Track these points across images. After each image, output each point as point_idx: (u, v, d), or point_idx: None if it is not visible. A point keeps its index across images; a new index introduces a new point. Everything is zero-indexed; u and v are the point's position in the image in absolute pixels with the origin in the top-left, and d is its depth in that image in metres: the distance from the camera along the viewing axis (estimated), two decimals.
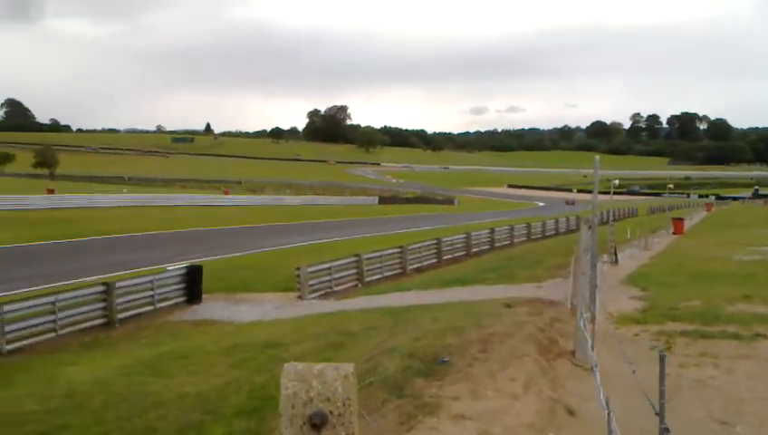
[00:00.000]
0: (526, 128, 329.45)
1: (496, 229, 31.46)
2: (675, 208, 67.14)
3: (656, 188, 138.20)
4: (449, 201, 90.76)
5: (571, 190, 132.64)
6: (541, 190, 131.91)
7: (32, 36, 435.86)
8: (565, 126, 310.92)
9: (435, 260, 24.65)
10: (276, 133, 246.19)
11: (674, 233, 31.04)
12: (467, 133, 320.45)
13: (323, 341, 11.18)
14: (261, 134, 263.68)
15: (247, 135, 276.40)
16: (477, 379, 6.46)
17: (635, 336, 9.83)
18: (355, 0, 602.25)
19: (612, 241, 19.68)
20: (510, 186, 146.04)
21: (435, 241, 25.36)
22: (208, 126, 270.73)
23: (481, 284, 16.61)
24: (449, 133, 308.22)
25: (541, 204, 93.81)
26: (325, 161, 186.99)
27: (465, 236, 27.82)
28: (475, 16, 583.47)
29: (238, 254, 26.54)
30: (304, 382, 2.07)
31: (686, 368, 7.84)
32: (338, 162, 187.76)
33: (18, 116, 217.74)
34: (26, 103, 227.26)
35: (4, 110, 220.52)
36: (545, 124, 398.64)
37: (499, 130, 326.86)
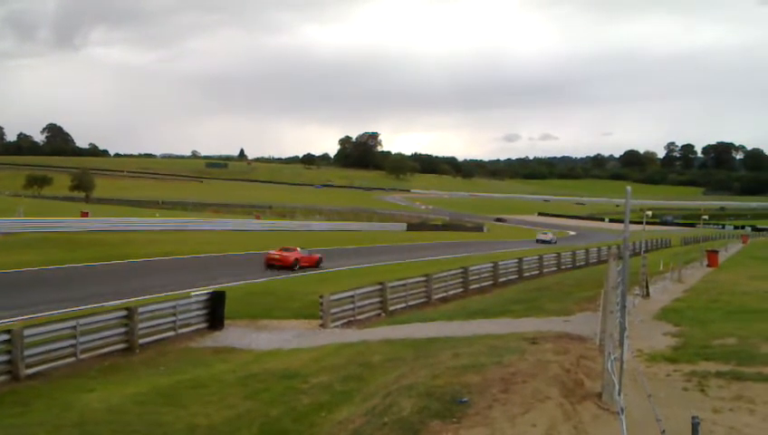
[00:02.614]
0: (558, 156, 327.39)
1: (525, 259, 30.90)
2: (709, 240, 65.65)
3: (690, 219, 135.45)
4: (478, 229, 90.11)
5: (603, 220, 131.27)
6: (572, 219, 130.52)
7: (75, 64, 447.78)
8: (598, 154, 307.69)
9: (461, 289, 24.22)
10: (308, 159, 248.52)
11: (708, 266, 30.12)
12: (498, 161, 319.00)
13: (342, 373, 10.93)
14: (293, 160, 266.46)
15: (280, 161, 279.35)
16: (496, 423, 6.13)
17: (667, 376, 9.38)
18: (386, 28, 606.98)
19: (644, 273, 19.11)
20: (540, 214, 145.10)
21: (461, 270, 24.94)
22: (242, 152, 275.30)
23: (507, 316, 16.19)
24: (480, 160, 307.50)
25: (572, 233, 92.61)
26: (355, 187, 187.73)
27: (492, 265, 27.32)
28: (508, 44, 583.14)
29: (263, 279, 26.48)
30: None
31: (720, 413, 7.42)
32: (368, 188, 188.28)
33: (59, 141, 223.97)
34: (66, 128, 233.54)
35: (45, 134, 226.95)
36: (578, 152, 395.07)
37: (531, 157, 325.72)
